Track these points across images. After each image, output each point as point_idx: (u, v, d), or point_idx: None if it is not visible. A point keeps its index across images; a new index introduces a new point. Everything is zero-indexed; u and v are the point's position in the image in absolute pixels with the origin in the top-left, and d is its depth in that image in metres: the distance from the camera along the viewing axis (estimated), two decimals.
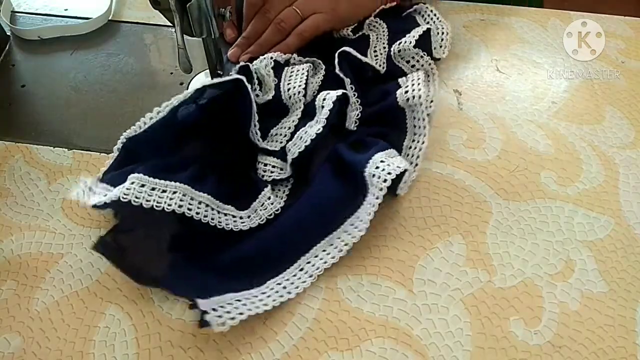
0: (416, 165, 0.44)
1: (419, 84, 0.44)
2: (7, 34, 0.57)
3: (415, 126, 0.44)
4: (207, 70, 0.51)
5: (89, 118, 0.50)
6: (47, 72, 0.54)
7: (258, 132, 0.43)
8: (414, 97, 0.43)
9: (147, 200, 0.37)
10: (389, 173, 0.38)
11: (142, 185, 0.37)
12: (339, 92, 0.43)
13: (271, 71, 0.47)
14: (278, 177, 0.42)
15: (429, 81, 0.50)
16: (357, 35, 0.53)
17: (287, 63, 0.50)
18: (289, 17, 0.50)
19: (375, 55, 0.52)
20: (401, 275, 0.39)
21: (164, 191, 0.37)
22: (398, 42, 0.50)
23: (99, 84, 0.53)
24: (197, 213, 0.38)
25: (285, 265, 0.39)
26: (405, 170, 0.39)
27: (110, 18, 0.59)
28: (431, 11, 0.54)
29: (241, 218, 0.40)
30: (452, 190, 0.43)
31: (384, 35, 0.53)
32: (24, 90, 0.52)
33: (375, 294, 0.38)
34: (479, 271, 0.39)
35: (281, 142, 0.44)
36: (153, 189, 0.37)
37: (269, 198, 0.41)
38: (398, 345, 0.35)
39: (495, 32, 0.57)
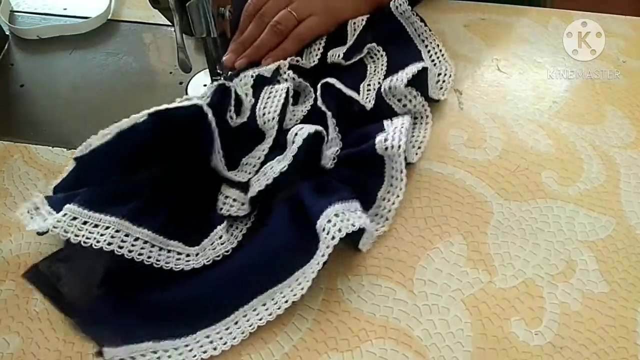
0: (386, 220, 0.40)
1: (400, 132, 0.41)
2: (6, 33, 0.57)
3: (392, 177, 0.41)
4: (207, 70, 0.51)
5: (87, 118, 0.50)
6: (46, 71, 0.54)
7: (223, 159, 0.40)
8: (392, 146, 0.40)
9: (76, 235, 0.35)
10: (340, 230, 0.35)
11: (74, 219, 0.35)
12: (313, 128, 0.40)
13: (250, 90, 0.45)
14: (236, 214, 0.39)
15: (420, 124, 0.47)
16: (352, 61, 0.51)
17: (275, 74, 0.47)
18: (285, 20, 0.50)
19: (368, 90, 0.49)
20: (401, 275, 0.38)
21: (96, 225, 0.35)
22: (390, 78, 0.46)
23: (98, 83, 0.53)
24: (130, 251, 0.35)
25: (220, 315, 0.36)
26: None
27: (109, 17, 0.59)
28: (437, 45, 0.52)
29: (188, 256, 0.38)
30: (453, 190, 0.43)
31: (382, 68, 0.50)
32: (22, 90, 0.52)
33: (375, 295, 0.38)
34: (479, 272, 0.39)
35: (249, 173, 0.41)
36: (85, 222, 0.35)
37: (220, 237, 0.38)
38: (398, 346, 0.35)
39: (496, 31, 0.57)
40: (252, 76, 0.46)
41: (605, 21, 0.57)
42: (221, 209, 0.40)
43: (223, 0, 0.47)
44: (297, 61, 0.49)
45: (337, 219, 0.36)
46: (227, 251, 0.38)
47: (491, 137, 0.47)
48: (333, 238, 0.35)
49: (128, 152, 0.39)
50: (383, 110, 0.46)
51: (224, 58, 0.50)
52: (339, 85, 0.45)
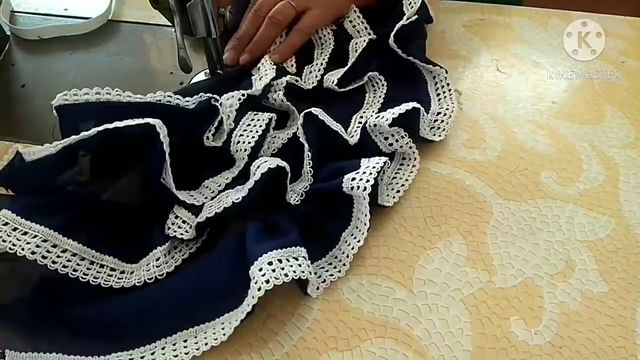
0: (343, 265, 0.38)
1: (371, 173, 0.38)
2: (7, 33, 0.57)
3: (358, 219, 0.39)
4: (207, 70, 0.51)
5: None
6: (47, 72, 0.54)
7: (170, 180, 0.38)
8: (358, 187, 0.37)
9: (4, 241, 0.34)
10: (267, 281, 0.33)
11: (5, 224, 0.34)
12: (275, 163, 0.38)
13: (233, 113, 0.43)
14: (181, 236, 0.38)
15: (407, 165, 0.44)
16: (349, 88, 0.49)
17: (266, 91, 0.45)
18: (284, 11, 0.49)
19: (359, 122, 0.46)
20: (401, 275, 0.39)
21: (25, 233, 0.34)
22: (377, 115, 0.43)
23: (98, 83, 0.52)
24: (55, 262, 0.34)
25: (139, 342, 0.35)
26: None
27: (110, 18, 0.59)
28: (445, 79, 0.49)
29: (122, 273, 0.37)
30: (452, 190, 0.43)
31: (379, 99, 0.48)
32: (23, 90, 0.52)
33: (375, 294, 0.38)
34: (479, 271, 0.39)
35: (205, 198, 0.40)
36: (15, 229, 0.34)
37: (158, 259, 0.37)
38: (398, 346, 0.35)
39: (495, 31, 0.57)
40: (239, 98, 0.43)
41: (605, 21, 0.57)
42: (169, 228, 0.38)
43: (223, 0, 0.47)
44: (297, 81, 0.47)
45: (270, 267, 0.33)
46: (161, 274, 0.37)
47: (491, 137, 0.47)
48: (259, 289, 0.33)
49: (71, 165, 0.37)
50: (368, 146, 0.43)
51: (224, 56, 0.49)
52: (322, 116, 0.42)
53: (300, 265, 0.34)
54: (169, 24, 0.45)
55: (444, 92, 0.48)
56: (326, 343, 0.36)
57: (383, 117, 0.42)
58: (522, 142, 0.47)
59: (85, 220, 0.37)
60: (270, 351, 0.35)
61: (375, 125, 0.42)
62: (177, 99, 0.41)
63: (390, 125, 0.41)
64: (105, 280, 0.36)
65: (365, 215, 0.38)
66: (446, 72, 0.48)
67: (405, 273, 0.39)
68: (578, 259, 0.40)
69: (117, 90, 0.40)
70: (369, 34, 0.52)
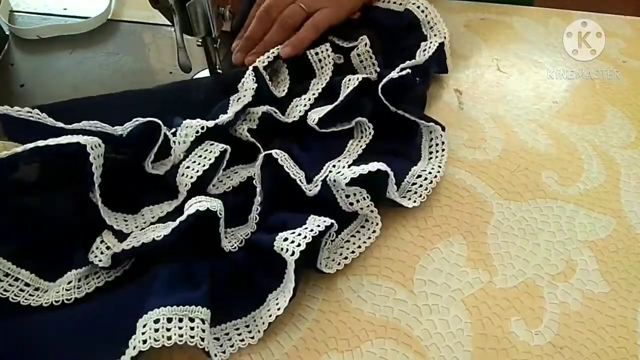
0: (258, 332, 0.35)
1: (306, 236, 0.34)
2: (6, 33, 0.57)
3: (286, 284, 0.35)
4: (207, 70, 0.51)
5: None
6: (46, 71, 0.54)
7: (99, 202, 0.36)
8: (286, 250, 0.34)
9: None
10: (144, 341, 0.30)
11: None
12: (206, 206, 0.35)
13: (187, 144, 0.41)
14: (99, 264, 0.35)
15: (368, 229, 0.39)
16: (331, 130, 0.44)
17: (237, 118, 0.42)
18: (295, 14, 0.49)
19: (330, 170, 0.42)
20: (402, 275, 0.38)
21: None
22: (339, 170, 0.38)
23: (98, 83, 0.52)
24: None
25: None
26: None
27: (110, 17, 0.59)
28: (443, 143, 0.44)
29: (36, 289, 0.35)
30: (453, 190, 0.43)
31: (359, 148, 0.44)
32: (23, 90, 0.52)
33: (375, 295, 0.38)
34: (479, 271, 0.39)
35: (136, 227, 0.38)
36: None
37: (69, 282, 0.35)
38: (398, 346, 0.35)
39: (496, 31, 0.57)
40: (197, 130, 0.41)
41: (605, 21, 0.57)
42: (92, 252, 0.36)
43: (223, 0, 0.47)
44: (275, 112, 0.44)
45: (154, 326, 0.31)
46: (69, 299, 0.35)
47: (491, 137, 0.47)
48: (134, 348, 0.30)
49: (10, 173, 0.36)
50: (329, 200, 0.39)
51: (233, 57, 0.49)
52: (282, 161, 0.39)
53: (192, 329, 0.31)
54: (169, 23, 0.45)
55: (437, 152, 0.44)
56: (326, 343, 0.35)
57: (343, 174, 0.37)
58: (522, 142, 0.47)
59: (8, 229, 0.35)
60: (270, 351, 0.35)
61: (334, 181, 0.38)
62: (106, 127, 0.39)
63: (350, 184, 0.37)
64: (14, 295, 0.34)
65: (290, 282, 0.34)
66: (443, 129, 0.44)
67: (405, 273, 0.39)
68: (579, 259, 0.40)
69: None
70: (376, 71, 0.49)
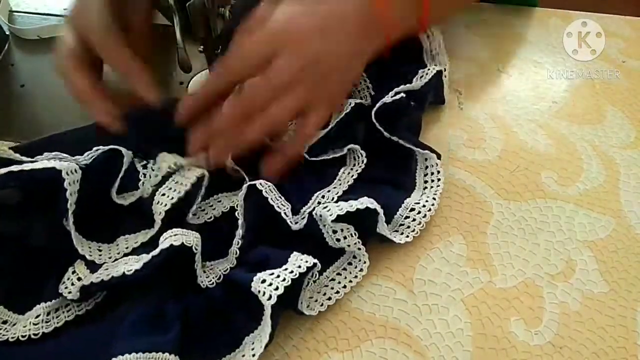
0: None
1: (284, 279, 0.32)
2: (7, 33, 0.57)
3: (263, 327, 0.33)
4: (207, 70, 0.51)
5: (88, 118, 0.50)
6: (47, 71, 0.54)
7: (72, 230, 0.35)
8: (263, 294, 0.32)
9: None
10: None
11: None
12: (180, 241, 0.34)
13: (159, 178, 0.39)
14: (69, 296, 0.34)
15: (355, 267, 0.37)
16: (320, 158, 0.42)
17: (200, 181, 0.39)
18: (282, 118, 0.39)
19: (319, 201, 0.39)
20: (401, 275, 0.38)
21: None
22: (324, 204, 0.37)
23: None
24: None
25: None
26: None
27: None
28: (438, 172, 0.42)
29: (4, 322, 0.33)
30: (453, 190, 0.43)
31: (350, 177, 0.41)
32: (23, 90, 0.52)
33: (375, 295, 0.38)
34: (479, 271, 0.39)
35: (110, 257, 0.36)
36: None
37: (37, 316, 0.33)
38: (398, 346, 0.35)
39: (496, 31, 0.57)
40: (170, 166, 0.38)
41: (605, 21, 0.57)
42: (63, 283, 0.34)
43: (223, 0, 0.47)
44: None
45: None
46: (36, 334, 0.33)
47: (491, 137, 0.47)
48: None
49: None
50: (314, 235, 0.37)
51: (189, 147, 0.39)
52: (267, 193, 0.37)
53: None
54: (169, 23, 0.45)
55: (432, 181, 0.42)
56: (326, 343, 0.35)
57: (329, 210, 0.35)
58: (522, 141, 0.47)
59: None
60: (270, 351, 0.35)
61: (321, 216, 0.36)
62: (67, 157, 0.38)
63: (336, 221, 0.35)
64: None
65: (267, 326, 0.32)
66: (439, 157, 0.42)
67: (405, 273, 0.39)
68: (578, 259, 0.40)
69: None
70: (370, 94, 0.46)
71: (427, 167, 0.42)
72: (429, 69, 0.45)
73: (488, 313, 0.37)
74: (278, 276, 0.32)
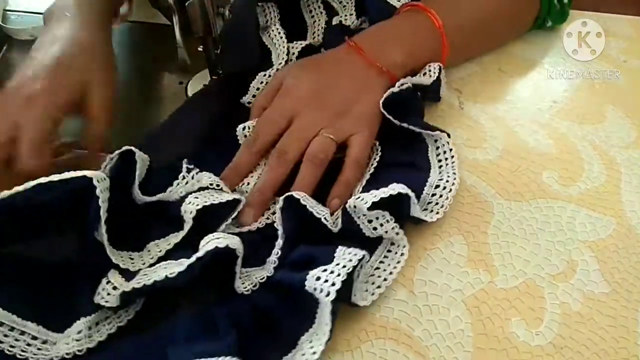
0: None
1: (339, 273, 0.32)
2: (7, 33, 0.57)
3: (320, 325, 0.32)
4: (207, 70, 0.51)
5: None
6: None
7: (105, 239, 0.34)
8: (321, 290, 0.31)
9: None
10: None
11: None
12: (225, 243, 0.33)
13: (194, 187, 0.39)
14: (109, 305, 0.33)
15: (395, 253, 0.38)
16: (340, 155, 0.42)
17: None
18: (326, 148, 0.41)
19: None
20: (402, 275, 0.38)
21: None
22: (359, 196, 0.37)
23: None
24: None
25: None
26: None
27: None
28: (450, 150, 0.42)
29: (44, 343, 0.32)
30: None
31: (370, 167, 0.42)
32: None
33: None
34: (480, 272, 0.39)
35: (144, 263, 0.36)
36: None
37: (79, 332, 0.32)
38: (399, 347, 0.35)
39: None
40: (210, 184, 0.38)
41: (605, 21, 0.57)
42: (98, 294, 0.33)
43: (223, 0, 0.47)
44: None
45: None
46: (80, 350, 0.32)
47: (492, 137, 0.47)
48: None
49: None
50: (352, 229, 0.37)
51: (242, 218, 0.40)
52: (304, 201, 0.37)
53: None
54: (169, 23, 0.45)
55: (445, 159, 0.42)
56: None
57: (363, 199, 0.36)
58: (523, 141, 0.47)
59: (7, 278, 0.33)
60: None
61: (355, 207, 0.36)
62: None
63: (371, 208, 0.36)
64: (21, 351, 0.31)
65: (326, 324, 0.32)
66: (449, 136, 0.43)
67: (405, 273, 0.38)
68: (580, 259, 0.40)
69: None
70: None
71: (437, 147, 0.43)
72: (432, 66, 0.46)
73: (489, 313, 0.37)
74: (332, 272, 0.32)
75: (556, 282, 0.38)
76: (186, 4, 0.42)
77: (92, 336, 0.33)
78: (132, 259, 0.36)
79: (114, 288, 0.33)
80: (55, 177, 0.33)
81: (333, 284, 0.31)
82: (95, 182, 0.33)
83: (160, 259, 0.36)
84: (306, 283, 0.32)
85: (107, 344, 0.33)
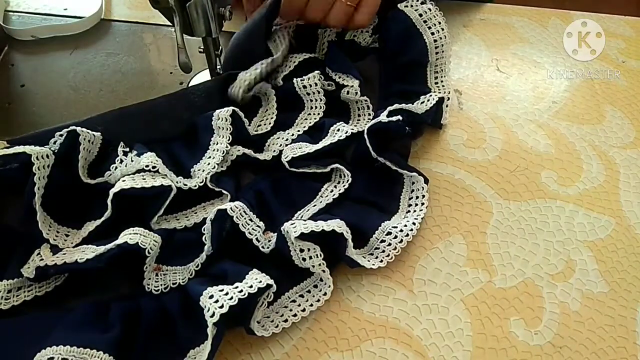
0: None
1: (232, 297, 0.31)
2: (8, 33, 0.57)
3: (208, 344, 0.32)
4: (207, 70, 0.51)
5: None
6: (47, 71, 0.54)
7: (40, 213, 0.35)
8: (208, 310, 0.31)
9: None
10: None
11: None
12: (137, 240, 0.34)
13: (132, 170, 0.38)
14: (25, 275, 0.34)
15: (317, 290, 0.36)
16: (303, 170, 0.42)
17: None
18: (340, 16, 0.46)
19: (292, 224, 0.36)
20: (401, 275, 0.38)
21: None
22: (292, 222, 0.36)
23: (98, 83, 0.52)
24: None
25: None
26: None
27: (106, 17, 0.59)
28: (424, 197, 0.41)
29: None
30: (453, 190, 0.43)
31: (329, 197, 0.40)
32: (23, 90, 0.52)
33: (375, 294, 0.38)
34: (479, 271, 0.39)
35: (71, 242, 0.37)
36: None
37: None
38: (398, 346, 0.35)
39: (495, 31, 0.57)
40: (147, 165, 0.38)
41: (605, 21, 0.57)
42: (27, 264, 0.35)
43: (223, 0, 0.47)
44: (250, 154, 0.41)
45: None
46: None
47: (491, 137, 0.47)
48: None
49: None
50: (285, 254, 0.36)
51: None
52: (238, 218, 0.36)
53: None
54: (169, 23, 0.45)
55: (415, 205, 0.41)
56: (326, 343, 0.35)
57: (295, 227, 0.34)
58: (522, 142, 0.47)
59: None
60: (270, 351, 0.35)
61: (287, 232, 0.35)
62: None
63: (302, 238, 0.34)
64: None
65: (208, 345, 0.31)
66: (426, 181, 0.41)
67: (405, 273, 0.39)
68: (578, 259, 0.40)
69: None
70: (369, 114, 0.46)
71: (412, 190, 0.41)
72: (431, 95, 0.45)
73: (488, 313, 0.37)
74: (227, 294, 0.32)
75: (555, 281, 0.38)
76: (187, 4, 0.43)
77: (9, 299, 0.34)
78: (67, 235, 0.37)
79: (41, 260, 0.34)
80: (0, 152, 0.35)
81: (222, 306, 0.31)
82: (34, 158, 0.35)
83: (85, 241, 0.37)
84: (201, 298, 0.32)
85: (19, 309, 0.34)
